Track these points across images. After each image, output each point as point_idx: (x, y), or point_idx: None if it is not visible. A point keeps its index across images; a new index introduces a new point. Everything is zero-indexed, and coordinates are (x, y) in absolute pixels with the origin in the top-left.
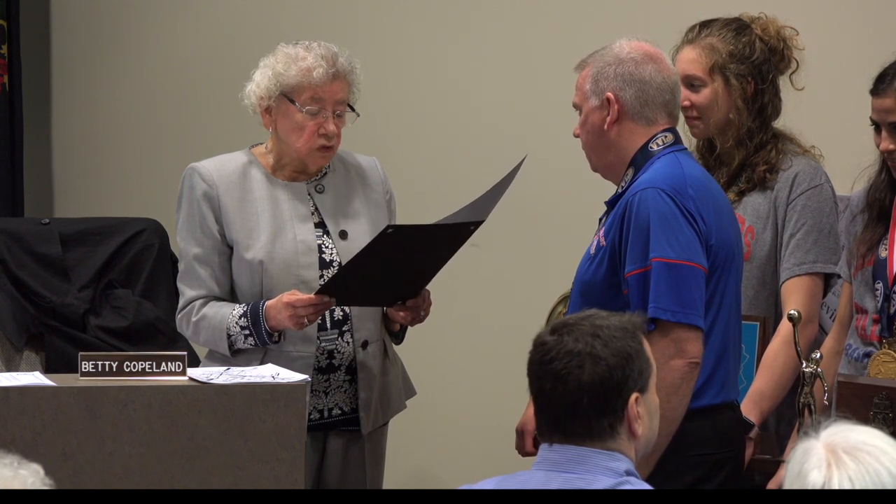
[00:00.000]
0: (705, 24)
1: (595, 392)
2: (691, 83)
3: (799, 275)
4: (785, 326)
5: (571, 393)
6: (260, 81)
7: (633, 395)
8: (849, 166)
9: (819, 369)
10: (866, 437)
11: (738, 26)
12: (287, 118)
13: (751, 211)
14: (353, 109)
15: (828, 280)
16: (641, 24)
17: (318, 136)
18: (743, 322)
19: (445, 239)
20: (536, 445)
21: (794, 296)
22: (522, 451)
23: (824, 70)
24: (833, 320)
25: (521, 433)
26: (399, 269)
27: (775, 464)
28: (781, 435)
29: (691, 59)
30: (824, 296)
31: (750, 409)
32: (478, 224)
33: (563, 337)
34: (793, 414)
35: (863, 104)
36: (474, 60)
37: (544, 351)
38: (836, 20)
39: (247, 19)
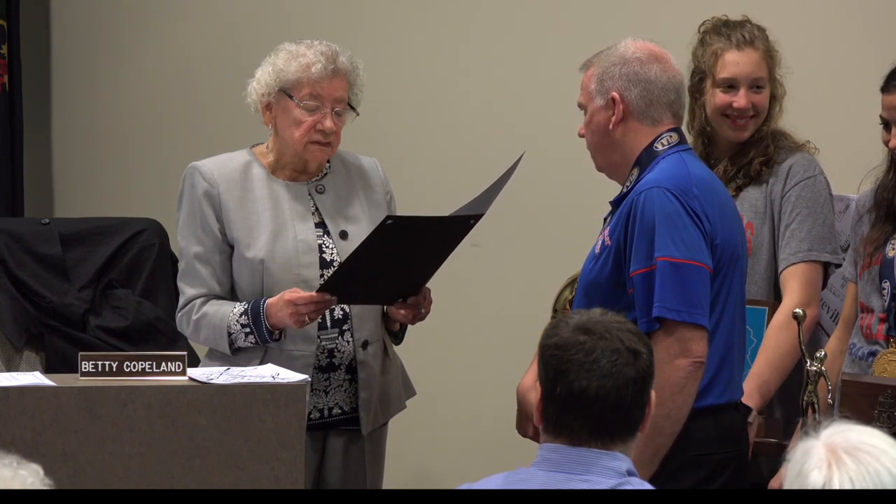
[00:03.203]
0: (753, 26)
1: (637, 385)
2: (757, 85)
3: (795, 263)
4: (782, 313)
5: (620, 388)
6: (261, 77)
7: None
8: (849, 167)
9: (823, 368)
10: (866, 437)
11: (766, 32)
12: (286, 114)
13: (748, 207)
14: (353, 109)
15: (825, 269)
16: (646, 23)
17: (314, 132)
18: (751, 307)
19: (445, 232)
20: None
21: (791, 283)
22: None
23: (824, 70)
24: (833, 320)
25: (525, 417)
26: (399, 264)
27: (780, 447)
28: (788, 424)
29: (756, 62)
30: (824, 285)
31: (748, 395)
32: (477, 218)
33: (596, 335)
34: (797, 408)
35: (864, 104)
36: (477, 60)
37: (585, 350)
38: (836, 20)
39: (248, 19)
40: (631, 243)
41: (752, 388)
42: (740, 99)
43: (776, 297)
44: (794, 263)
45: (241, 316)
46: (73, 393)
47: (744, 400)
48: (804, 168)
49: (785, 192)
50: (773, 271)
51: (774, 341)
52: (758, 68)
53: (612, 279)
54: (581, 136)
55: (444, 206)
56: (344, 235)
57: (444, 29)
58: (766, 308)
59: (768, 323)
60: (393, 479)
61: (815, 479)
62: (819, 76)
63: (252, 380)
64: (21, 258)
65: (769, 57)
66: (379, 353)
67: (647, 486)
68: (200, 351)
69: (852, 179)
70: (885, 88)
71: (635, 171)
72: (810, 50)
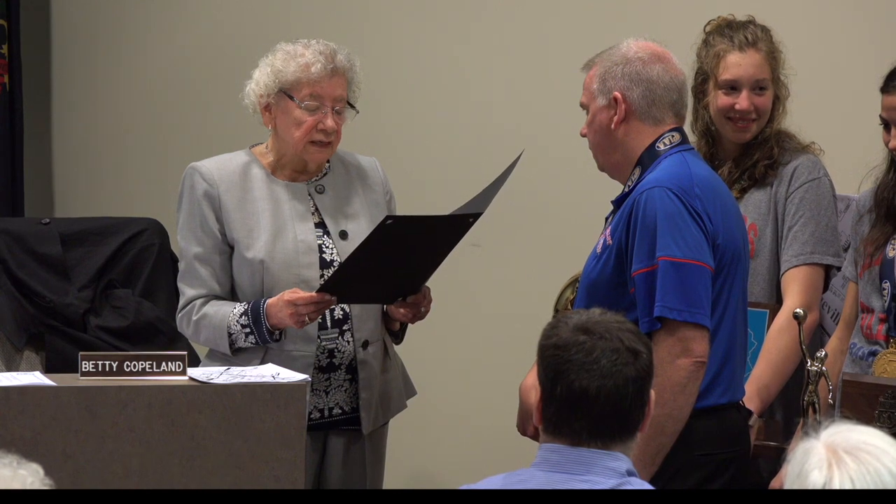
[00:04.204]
0: (757, 27)
1: (636, 385)
2: (759, 87)
3: (797, 265)
4: (782, 315)
5: (620, 388)
6: (259, 79)
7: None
8: (851, 167)
9: (823, 368)
10: (867, 436)
11: (770, 33)
12: (286, 115)
13: (752, 208)
14: (352, 107)
15: (827, 272)
16: (648, 23)
17: (315, 132)
18: (752, 309)
19: (444, 231)
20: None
21: (793, 285)
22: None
23: (825, 71)
24: (834, 320)
25: (526, 416)
26: (399, 263)
27: (780, 450)
28: (788, 426)
29: (759, 64)
30: (825, 288)
31: (749, 398)
32: (476, 216)
33: (595, 335)
34: (798, 409)
35: (864, 104)
36: (477, 59)
37: (585, 350)
38: (838, 20)
39: (247, 19)
40: (632, 243)
41: (753, 391)
42: (742, 101)
43: (778, 299)
44: (795, 266)
45: (241, 316)
46: (73, 393)
47: (744, 403)
48: (808, 170)
49: (789, 194)
50: (776, 273)
51: (775, 344)
52: (760, 70)
53: (614, 279)
54: (583, 135)
55: (444, 205)
56: (344, 235)
57: (445, 28)
58: (768, 311)
59: (769, 325)
60: (393, 479)
61: (816, 478)
62: (821, 76)
63: (252, 380)
64: (21, 258)
65: (772, 58)
66: (379, 352)
67: (648, 487)
68: (201, 351)
69: (855, 179)
70: (885, 89)
71: (637, 171)
72: (812, 50)
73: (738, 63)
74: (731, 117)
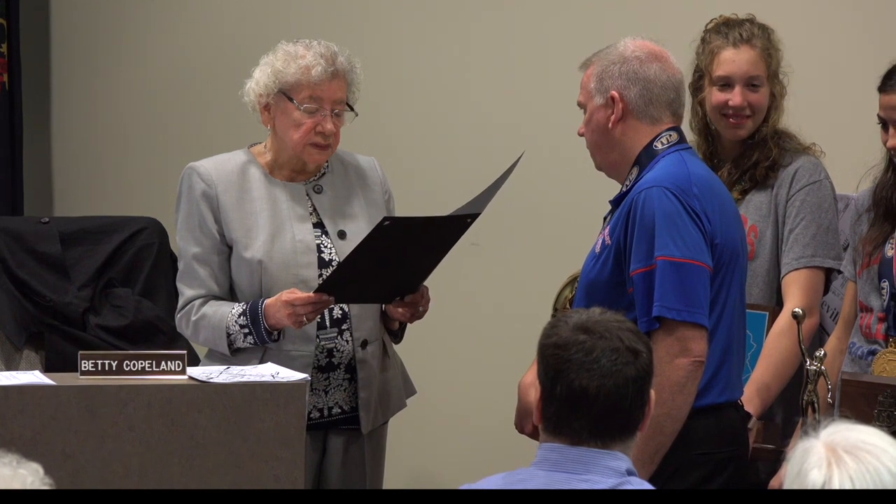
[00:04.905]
0: (754, 25)
1: (636, 385)
2: (752, 83)
3: (798, 268)
4: (783, 318)
5: (620, 387)
6: (259, 78)
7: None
8: (850, 167)
9: (823, 367)
10: (866, 436)
11: (769, 32)
12: (285, 115)
13: (753, 210)
14: (351, 109)
15: (828, 275)
16: (646, 23)
17: (314, 134)
18: (751, 311)
19: (442, 232)
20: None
21: (793, 288)
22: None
23: (824, 70)
24: (833, 320)
25: (525, 414)
26: (396, 263)
27: (778, 453)
28: (787, 429)
29: (753, 61)
30: (826, 291)
31: (749, 399)
32: (474, 217)
33: (595, 335)
34: (797, 410)
35: (863, 104)
36: (477, 60)
37: (585, 350)
38: (836, 20)
39: (247, 19)
40: (631, 242)
41: (753, 392)
42: (735, 97)
43: (778, 301)
44: (796, 269)
45: (239, 317)
46: (72, 392)
47: (744, 405)
48: (809, 172)
49: (789, 197)
50: (775, 275)
51: (776, 347)
52: (754, 67)
53: (613, 279)
54: (581, 135)
55: (443, 205)
56: (342, 235)
57: (445, 28)
58: (767, 313)
59: (769, 327)
60: (393, 478)
61: (815, 478)
62: (821, 76)
63: (252, 379)
64: (21, 257)
65: (767, 55)
66: (378, 352)
67: (647, 486)
68: (200, 350)
69: (853, 179)
70: (882, 88)
71: (635, 170)
72: (812, 50)
73: (731, 59)
74: (725, 113)
